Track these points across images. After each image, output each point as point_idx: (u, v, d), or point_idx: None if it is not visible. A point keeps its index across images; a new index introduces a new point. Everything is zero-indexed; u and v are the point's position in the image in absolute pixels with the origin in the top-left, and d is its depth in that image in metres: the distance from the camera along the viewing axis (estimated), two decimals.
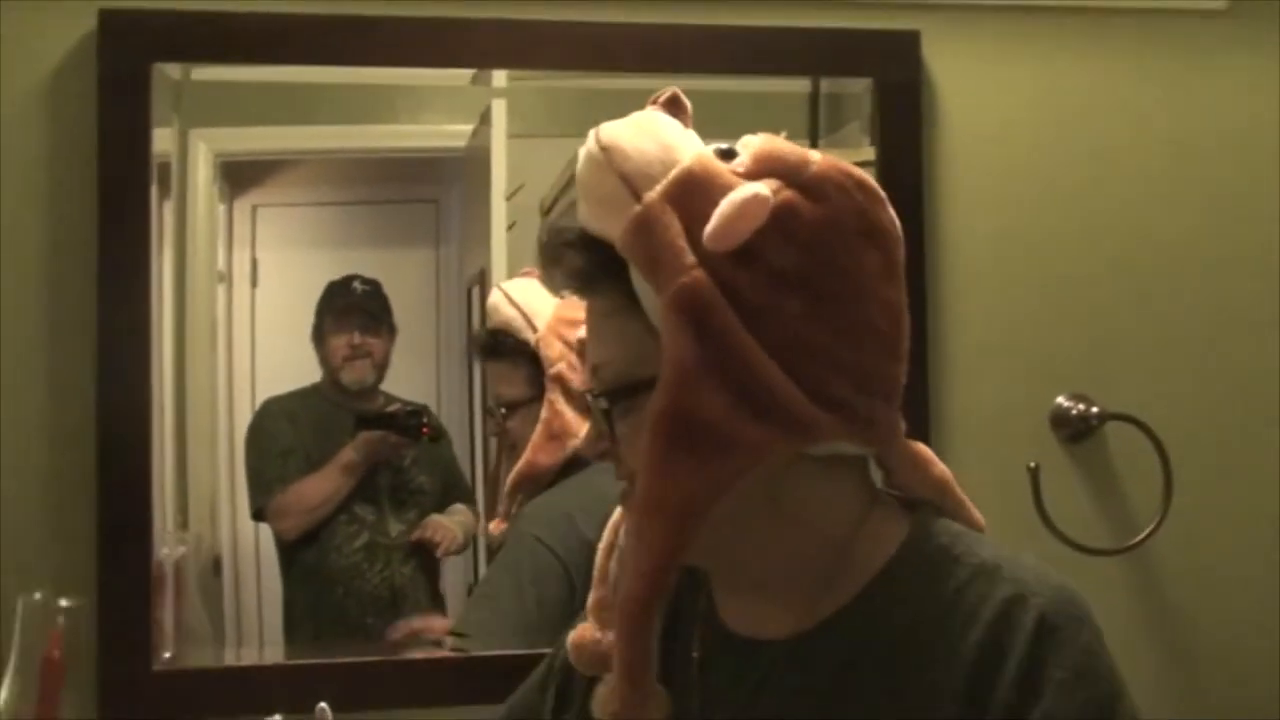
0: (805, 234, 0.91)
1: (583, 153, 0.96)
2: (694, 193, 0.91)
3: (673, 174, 0.91)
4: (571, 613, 1.45)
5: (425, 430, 1.76)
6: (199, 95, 1.70)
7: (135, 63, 1.56)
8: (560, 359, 1.62)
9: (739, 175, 0.92)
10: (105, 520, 1.54)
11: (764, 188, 0.90)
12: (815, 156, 0.95)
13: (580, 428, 1.58)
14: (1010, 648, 0.88)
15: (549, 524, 1.64)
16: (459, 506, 1.78)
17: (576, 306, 1.62)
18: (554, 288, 0.98)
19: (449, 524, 1.77)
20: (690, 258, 0.89)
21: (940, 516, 1.00)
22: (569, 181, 1.76)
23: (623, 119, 0.96)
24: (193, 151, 1.71)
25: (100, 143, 1.55)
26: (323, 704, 1.34)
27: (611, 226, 0.93)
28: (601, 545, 1.10)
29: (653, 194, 0.91)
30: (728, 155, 0.95)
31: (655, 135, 0.93)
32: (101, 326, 1.55)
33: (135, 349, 1.56)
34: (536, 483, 1.61)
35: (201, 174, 1.73)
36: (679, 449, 0.90)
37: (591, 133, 0.95)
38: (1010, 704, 0.87)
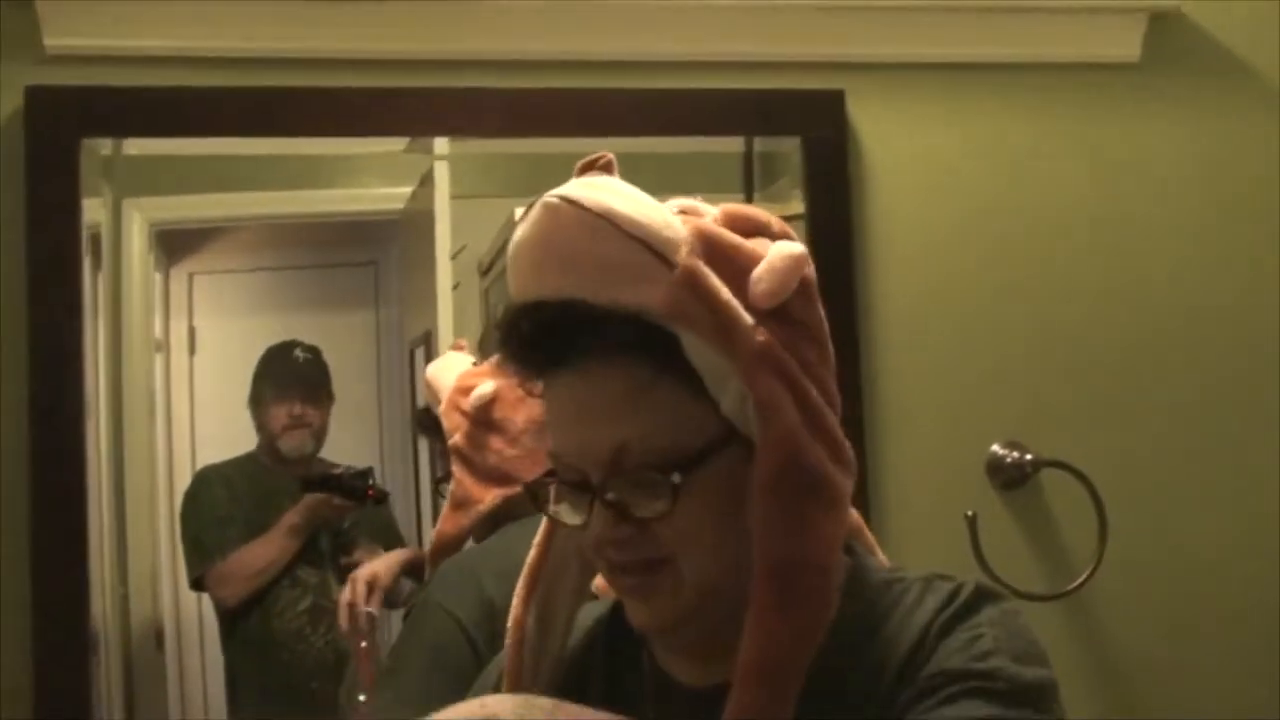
0: (807, 287, 0.93)
1: (552, 221, 0.90)
2: (721, 252, 0.90)
3: (693, 234, 0.90)
4: (474, 676, 1.45)
5: (371, 492, 1.75)
6: (131, 167, 1.69)
7: (64, 138, 1.56)
8: (456, 429, 1.60)
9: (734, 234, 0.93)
10: (40, 591, 1.52)
11: (799, 246, 0.92)
12: (768, 215, 0.96)
13: (483, 495, 1.58)
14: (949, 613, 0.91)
15: (453, 586, 1.64)
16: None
17: (472, 375, 1.63)
18: (526, 367, 0.91)
19: (386, 556, 1.76)
20: (749, 316, 0.89)
21: None
22: (505, 244, 1.78)
23: (578, 183, 0.91)
24: (126, 221, 1.71)
25: (30, 216, 1.55)
26: None
27: (642, 293, 0.89)
28: (510, 624, 1.05)
29: (684, 256, 0.89)
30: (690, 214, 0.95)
31: (641, 197, 0.92)
32: (34, 399, 1.54)
33: (69, 421, 1.55)
34: (447, 552, 1.61)
35: (135, 243, 1.72)
36: (813, 504, 0.89)
37: (552, 200, 0.90)
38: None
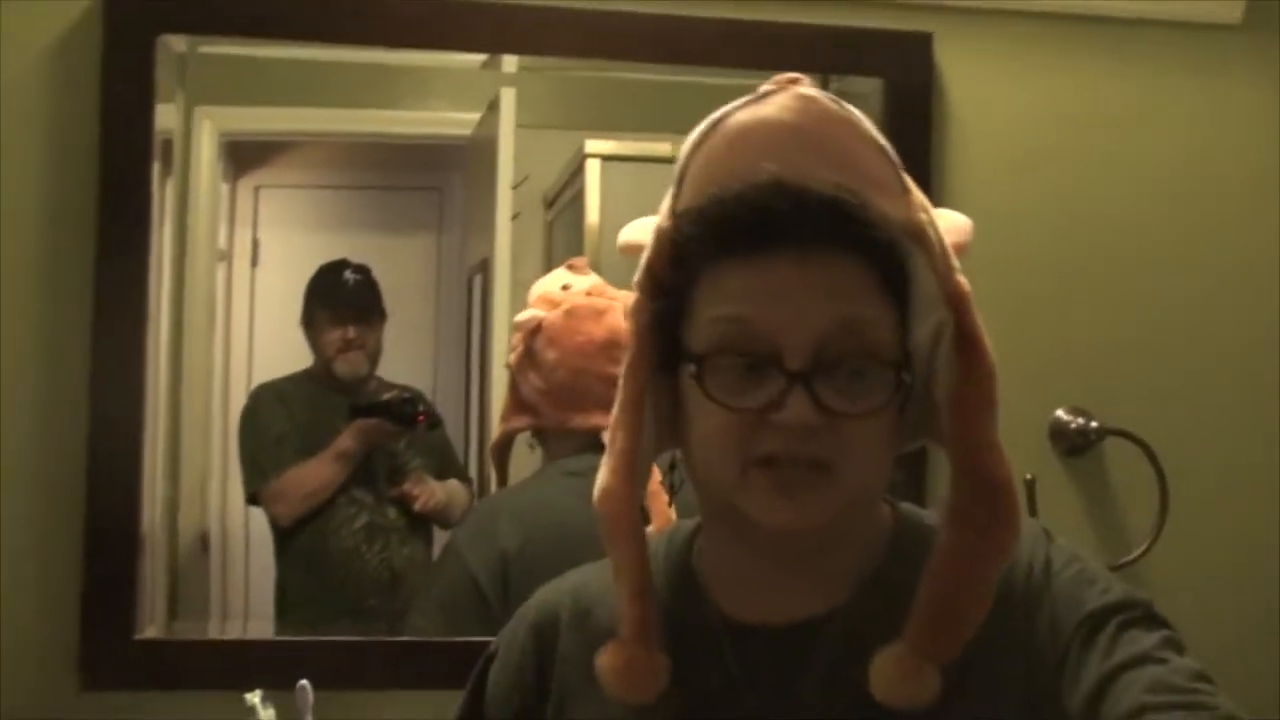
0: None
1: (813, 112, 0.90)
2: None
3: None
4: (484, 622, 1.43)
5: (420, 418, 1.75)
6: (205, 70, 1.69)
7: (140, 33, 1.55)
8: (514, 349, 1.66)
9: None
10: (93, 490, 1.53)
11: None
12: None
13: (508, 419, 1.66)
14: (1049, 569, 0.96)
15: (473, 535, 1.66)
16: (454, 482, 1.78)
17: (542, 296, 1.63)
18: (735, 241, 0.89)
19: (434, 484, 1.77)
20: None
21: None
22: (574, 175, 1.77)
23: (811, 101, 0.91)
24: (197, 128, 1.71)
25: (103, 115, 1.55)
26: (303, 681, 1.34)
27: (891, 205, 0.91)
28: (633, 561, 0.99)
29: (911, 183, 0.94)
30: None
31: None
32: (98, 300, 1.55)
33: (131, 324, 1.56)
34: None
35: (205, 152, 1.72)
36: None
37: (808, 92, 0.91)
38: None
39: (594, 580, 1.05)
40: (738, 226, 0.90)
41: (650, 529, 1.10)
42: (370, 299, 1.75)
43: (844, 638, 0.94)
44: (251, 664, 1.54)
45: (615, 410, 0.97)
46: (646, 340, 0.96)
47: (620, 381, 0.97)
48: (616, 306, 1.60)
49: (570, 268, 1.68)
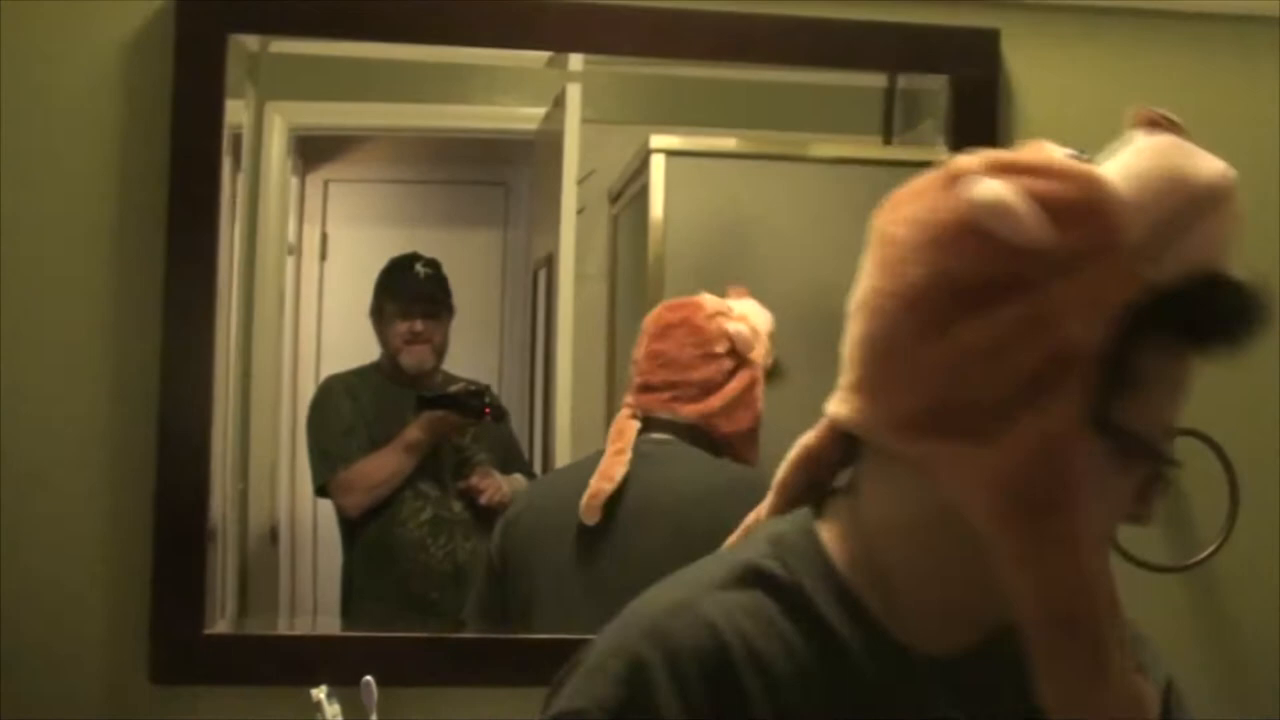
0: None
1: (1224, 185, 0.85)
2: None
3: None
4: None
5: (487, 411, 1.76)
6: (275, 67, 1.72)
7: (212, 32, 1.58)
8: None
9: None
10: (162, 485, 1.56)
11: None
12: None
13: None
14: None
15: (510, 510, 1.73)
16: (518, 475, 1.79)
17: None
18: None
19: (499, 477, 1.78)
20: None
21: None
22: (639, 170, 1.77)
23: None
24: (267, 124, 1.73)
25: (174, 111, 1.57)
26: (368, 678, 1.35)
27: None
28: None
29: None
30: None
31: None
32: (168, 294, 1.57)
33: (201, 318, 1.58)
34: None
35: (275, 147, 1.74)
36: None
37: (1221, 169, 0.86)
38: None
39: (736, 609, 0.85)
40: (1231, 325, 0.82)
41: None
42: (439, 293, 1.76)
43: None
44: (317, 659, 1.55)
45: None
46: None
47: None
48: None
49: (740, 295, 1.73)
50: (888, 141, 1.80)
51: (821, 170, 1.83)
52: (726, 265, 1.78)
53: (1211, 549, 1.71)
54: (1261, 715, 1.73)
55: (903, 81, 1.77)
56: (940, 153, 1.71)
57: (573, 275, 1.75)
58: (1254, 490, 1.72)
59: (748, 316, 1.69)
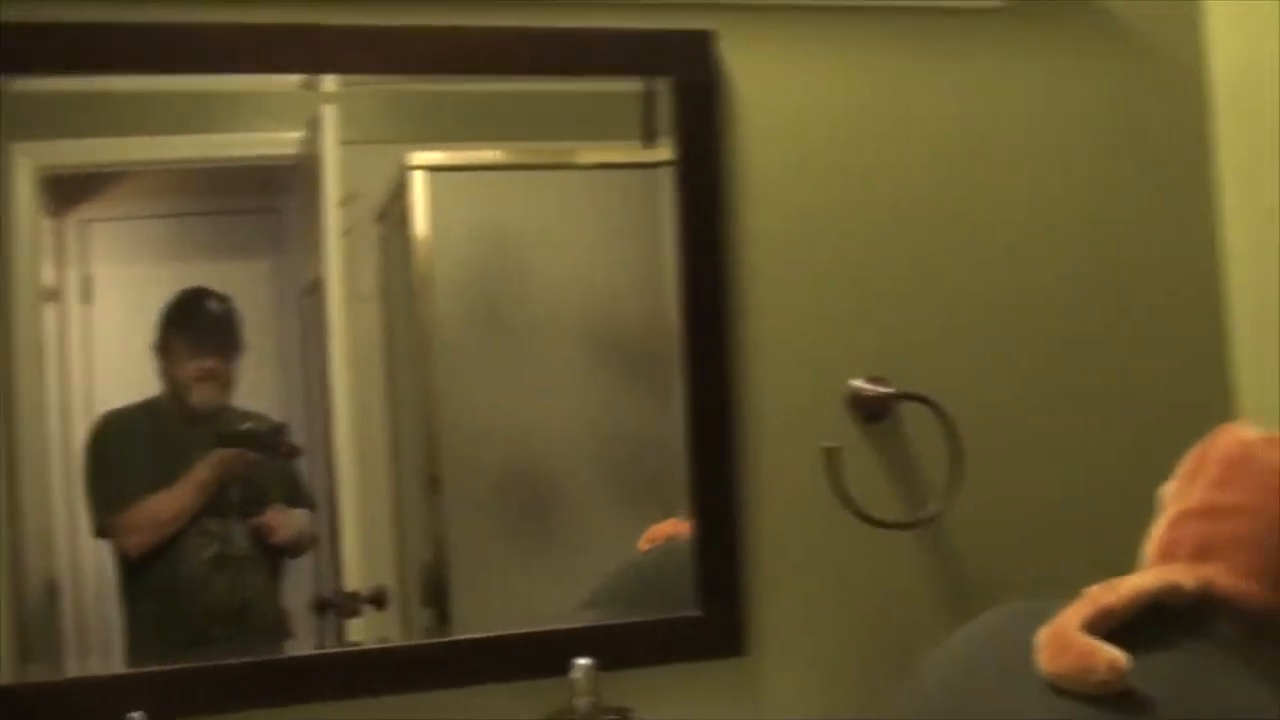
0: None
1: None
2: None
3: None
4: None
5: (284, 449, 1.74)
6: (18, 107, 1.66)
7: None
8: None
9: None
10: None
11: None
12: None
13: None
14: None
15: None
16: (300, 511, 1.77)
17: None
18: None
19: (292, 514, 1.76)
20: None
21: None
22: (402, 188, 1.76)
23: None
24: (12, 166, 1.68)
25: None
26: (135, 714, 1.33)
27: None
28: None
29: None
30: None
31: None
32: None
33: None
34: None
35: (22, 188, 1.69)
36: None
37: None
38: None
39: None
40: None
41: None
42: (232, 329, 1.74)
43: None
44: (100, 700, 1.53)
45: None
46: None
47: None
48: None
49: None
50: (649, 145, 1.81)
51: (587, 177, 1.85)
52: (497, 278, 1.79)
53: (939, 506, 1.86)
54: None
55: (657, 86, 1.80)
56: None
57: (340, 299, 1.74)
58: (976, 447, 1.87)
59: None
